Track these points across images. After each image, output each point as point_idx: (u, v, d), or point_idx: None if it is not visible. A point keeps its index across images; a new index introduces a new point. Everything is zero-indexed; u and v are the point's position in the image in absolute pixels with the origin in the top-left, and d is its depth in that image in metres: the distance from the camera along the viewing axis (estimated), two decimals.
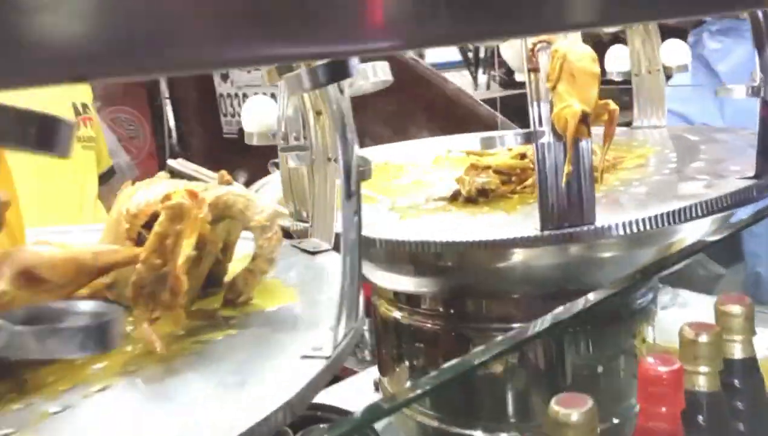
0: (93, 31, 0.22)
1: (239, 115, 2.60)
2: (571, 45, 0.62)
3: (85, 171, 1.51)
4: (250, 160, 2.64)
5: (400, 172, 1.08)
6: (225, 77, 2.61)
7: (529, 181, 0.90)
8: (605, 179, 0.92)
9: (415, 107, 2.00)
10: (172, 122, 2.78)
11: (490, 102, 1.94)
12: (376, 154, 1.20)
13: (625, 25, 0.88)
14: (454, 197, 0.88)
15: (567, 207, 0.69)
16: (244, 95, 2.56)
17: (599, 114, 0.68)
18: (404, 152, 1.19)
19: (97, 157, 1.67)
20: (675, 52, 1.07)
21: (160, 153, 2.79)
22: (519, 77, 0.78)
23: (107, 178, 1.73)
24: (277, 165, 1.28)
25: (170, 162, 1.23)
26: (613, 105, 0.67)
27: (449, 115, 1.91)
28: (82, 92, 1.62)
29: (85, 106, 1.60)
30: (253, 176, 2.69)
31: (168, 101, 2.76)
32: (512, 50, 0.84)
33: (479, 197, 0.87)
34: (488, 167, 0.90)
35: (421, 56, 2.49)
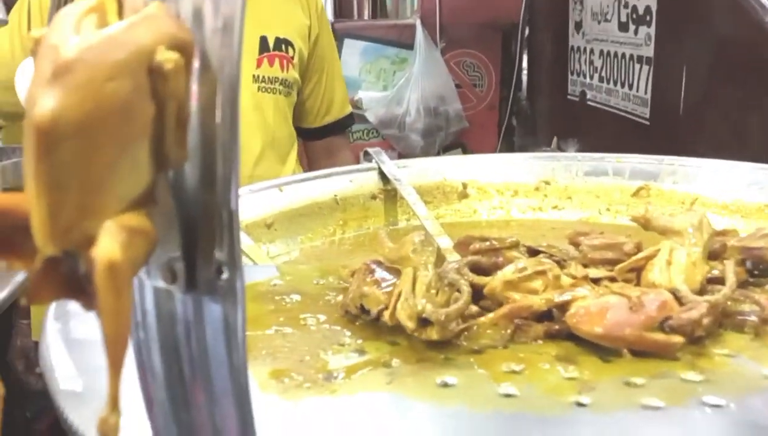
0: None
1: (585, 75, 2.18)
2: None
3: (260, 119, 1.27)
4: (588, 126, 2.23)
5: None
6: (578, 26, 2.19)
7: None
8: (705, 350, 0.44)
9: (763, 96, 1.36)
10: (524, 74, 2.48)
11: None
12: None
13: None
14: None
15: None
16: (592, 51, 2.11)
17: None
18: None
19: (323, 105, 1.43)
20: None
21: (503, 105, 2.53)
22: None
23: (338, 130, 1.54)
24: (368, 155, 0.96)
25: (370, 150, 1.00)
26: None
27: None
28: (284, 25, 1.33)
29: (283, 41, 1.31)
30: (585, 145, 2.25)
31: (525, 50, 2.45)
32: None
33: (419, 327, 0.48)
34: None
35: None
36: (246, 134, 1.24)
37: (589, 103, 2.16)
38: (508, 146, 2.51)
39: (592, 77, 2.14)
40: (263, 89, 1.27)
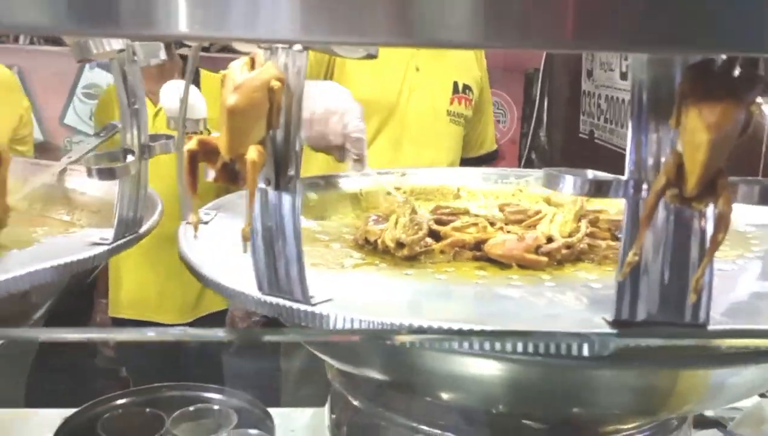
0: None
1: (594, 116, 2.49)
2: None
3: (448, 142, 1.69)
4: (595, 161, 2.57)
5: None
6: (589, 74, 2.51)
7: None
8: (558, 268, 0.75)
9: None
10: (544, 113, 2.79)
11: None
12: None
13: None
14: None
15: None
16: (599, 95, 2.42)
17: None
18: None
19: (479, 140, 1.85)
20: None
21: (523, 140, 2.84)
22: None
23: (484, 161, 1.88)
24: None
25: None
26: None
27: None
28: (467, 74, 1.74)
29: (466, 87, 1.72)
30: None
31: (545, 92, 2.77)
32: None
33: (397, 248, 0.80)
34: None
35: None
36: (443, 150, 1.68)
37: (596, 141, 2.47)
38: None
39: (599, 118, 2.45)
40: (453, 121, 1.71)
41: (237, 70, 0.57)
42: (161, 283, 2.14)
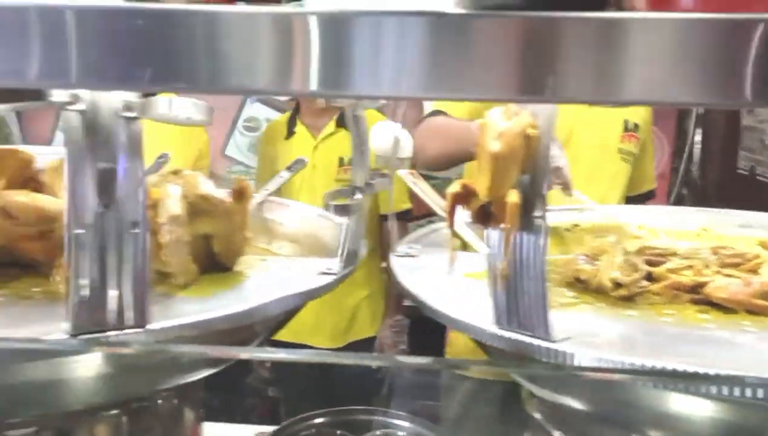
0: None
1: (755, 152, 2.39)
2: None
3: (618, 179, 1.71)
4: (756, 198, 2.49)
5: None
6: (751, 109, 2.41)
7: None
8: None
9: None
10: (697, 146, 2.70)
11: None
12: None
13: None
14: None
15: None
16: (763, 130, 2.33)
17: None
18: None
19: (640, 178, 1.84)
20: None
21: (674, 175, 2.76)
22: None
23: (642, 200, 1.87)
24: None
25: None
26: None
27: None
28: (636, 113, 1.76)
29: (635, 125, 1.75)
30: None
31: (699, 124, 2.69)
32: None
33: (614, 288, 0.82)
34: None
35: None
36: (614, 187, 1.71)
37: (758, 177, 2.36)
38: None
39: (762, 154, 2.35)
40: (623, 159, 1.73)
41: (498, 118, 0.60)
42: (317, 308, 2.23)
